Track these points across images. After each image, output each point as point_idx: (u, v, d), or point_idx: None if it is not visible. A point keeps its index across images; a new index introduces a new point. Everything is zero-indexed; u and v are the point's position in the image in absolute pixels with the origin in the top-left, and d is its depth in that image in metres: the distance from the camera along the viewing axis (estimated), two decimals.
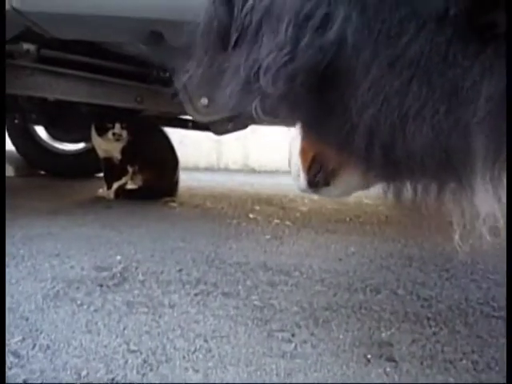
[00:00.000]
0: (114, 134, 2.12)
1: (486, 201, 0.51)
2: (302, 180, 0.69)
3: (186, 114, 1.62)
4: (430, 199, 0.52)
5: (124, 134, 2.14)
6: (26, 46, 1.49)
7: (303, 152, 0.67)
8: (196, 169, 4.17)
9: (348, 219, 2.04)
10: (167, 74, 1.68)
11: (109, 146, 2.20)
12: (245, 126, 2.82)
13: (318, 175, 0.67)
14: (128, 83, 1.67)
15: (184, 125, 2.81)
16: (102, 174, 2.97)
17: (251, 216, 2.00)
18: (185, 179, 2.63)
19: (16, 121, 2.87)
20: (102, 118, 2.14)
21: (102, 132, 2.14)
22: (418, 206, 0.54)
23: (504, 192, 0.50)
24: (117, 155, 2.26)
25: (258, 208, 2.23)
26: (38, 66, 1.56)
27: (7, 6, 1.11)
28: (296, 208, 2.29)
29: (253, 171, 4.28)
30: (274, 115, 0.58)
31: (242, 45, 0.53)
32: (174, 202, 2.28)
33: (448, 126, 0.44)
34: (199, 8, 1.23)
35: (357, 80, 0.46)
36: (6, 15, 1.13)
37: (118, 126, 2.10)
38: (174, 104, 1.60)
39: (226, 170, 4.28)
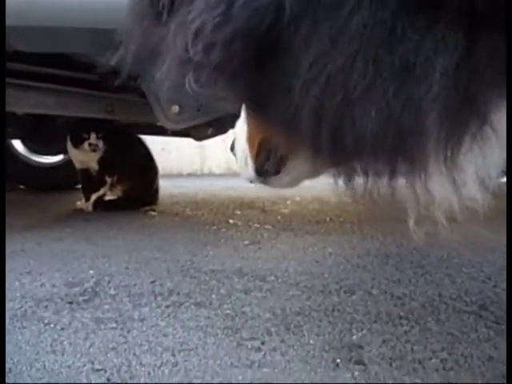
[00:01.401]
0: (89, 144, 2.09)
1: (441, 184, 0.48)
2: (250, 169, 0.63)
3: (157, 122, 1.60)
4: (381, 185, 0.50)
5: (100, 144, 2.11)
6: None
7: (250, 137, 0.62)
8: (180, 175, 4.15)
9: (328, 219, 2.05)
10: (137, 83, 1.66)
11: (85, 156, 2.17)
12: (225, 131, 2.82)
13: (266, 163, 0.61)
14: (98, 93, 1.65)
15: (163, 132, 2.80)
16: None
17: (231, 221, 1.99)
18: (167, 186, 2.61)
19: None
20: (77, 129, 2.12)
21: (77, 143, 2.11)
22: (370, 193, 0.51)
23: (459, 174, 0.47)
24: (94, 166, 2.23)
25: (239, 213, 2.22)
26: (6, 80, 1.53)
27: None
28: (277, 211, 2.29)
29: (237, 175, 4.25)
30: (209, 88, 0.53)
31: (178, 10, 0.47)
32: (153, 210, 2.26)
33: (399, 105, 0.41)
34: None
35: (298, 55, 0.43)
36: None
37: (93, 136, 2.07)
38: (145, 113, 1.59)
39: (210, 174, 4.26)
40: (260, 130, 0.59)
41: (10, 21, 1.16)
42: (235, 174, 4.44)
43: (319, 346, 0.82)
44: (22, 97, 1.59)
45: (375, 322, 0.94)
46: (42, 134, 2.81)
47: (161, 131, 2.79)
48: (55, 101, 1.61)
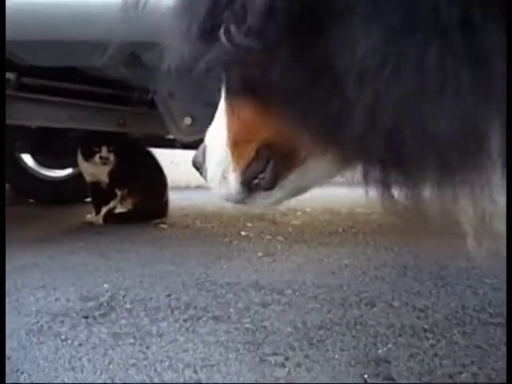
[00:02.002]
0: (101, 157, 2.09)
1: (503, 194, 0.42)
2: (231, 183, 0.51)
3: (169, 134, 1.60)
4: (440, 195, 0.43)
5: (111, 157, 2.11)
6: (6, 74, 1.47)
7: (236, 143, 0.49)
8: (188, 187, 4.14)
9: (341, 230, 2.02)
10: (149, 96, 1.66)
11: (96, 169, 2.17)
12: None
13: (260, 175, 0.49)
14: (110, 107, 1.65)
15: (172, 144, 2.80)
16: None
17: (243, 233, 1.97)
18: (176, 198, 2.60)
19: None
20: (88, 142, 2.12)
21: (88, 156, 2.11)
22: (419, 205, 0.44)
23: None
24: (104, 179, 2.23)
25: (249, 225, 2.20)
26: (18, 94, 1.54)
27: None
28: (288, 222, 2.27)
29: None
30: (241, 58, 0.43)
31: None
32: (164, 223, 2.24)
33: (471, 103, 0.35)
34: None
35: (355, 39, 0.36)
36: None
37: (104, 149, 2.08)
38: (157, 125, 1.59)
39: None
40: (265, 131, 0.47)
41: (23, 35, 1.17)
42: None
43: (345, 361, 0.80)
44: (35, 110, 1.60)
45: (400, 335, 0.91)
46: (52, 148, 2.82)
47: (170, 144, 2.80)
48: (68, 114, 1.62)
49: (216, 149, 0.52)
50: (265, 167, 0.50)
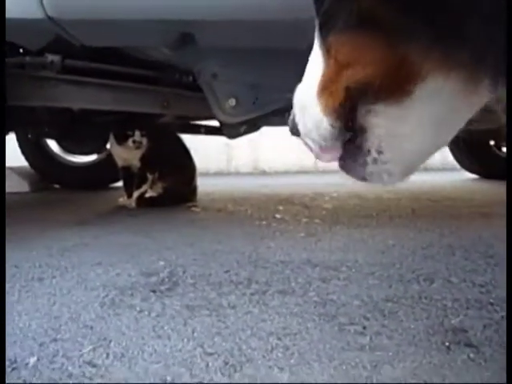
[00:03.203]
0: (134, 141, 2.11)
1: None
2: (326, 130, 0.44)
3: (213, 116, 1.61)
4: None
5: (144, 141, 2.13)
6: (50, 57, 1.48)
7: (330, 84, 0.44)
8: (206, 174, 4.16)
9: (375, 214, 2.03)
10: (191, 78, 1.67)
11: (129, 154, 2.19)
12: (257, 128, 2.82)
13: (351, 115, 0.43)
14: (153, 88, 1.66)
15: (197, 130, 2.81)
16: (115, 184, 2.96)
17: (278, 216, 1.99)
18: (199, 184, 2.62)
19: (29, 135, 2.87)
20: (122, 126, 2.14)
21: (121, 140, 2.13)
22: None
23: None
24: (136, 163, 2.25)
25: (281, 208, 2.22)
26: (62, 76, 1.55)
27: (41, 15, 1.10)
28: (320, 206, 2.28)
29: (263, 173, 4.27)
30: None
31: None
32: (196, 206, 2.27)
33: None
34: (234, 6, 1.22)
35: None
36: (39, 25, 1.12)
37: (137, 133, 2.09)
38: (201, 107, 1.59)
39: (237, 173, 4.27)
40: (365, 67, 0.42)
41: (80, 15, 1.18)
42: (263, 173, 4.50)
43: (422, 330, 0.81)
44: (79, 93, 1.61)
45: (467, 308, 0.92)
46: (77, 134, 2.84)
47: (194, 130, 2.81)
48: (111, 96, 1.63)
49: (308, 98, 0.46)
50: (356, 104, 0.44)
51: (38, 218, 2.03)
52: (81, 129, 2.72)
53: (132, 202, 2.28)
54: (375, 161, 0.48)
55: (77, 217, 2.03)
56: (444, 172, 4.12)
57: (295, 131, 0.53)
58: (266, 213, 2.07)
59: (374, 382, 0.65)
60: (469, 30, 0.41)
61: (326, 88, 0.46)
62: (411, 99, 0.45)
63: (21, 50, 1.66)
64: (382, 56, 0.43)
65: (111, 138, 2.16)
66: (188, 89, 1.69)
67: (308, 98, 0.47)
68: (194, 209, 2.23)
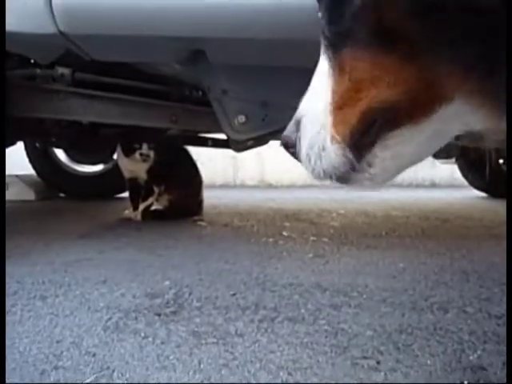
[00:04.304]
0: (141, 154, 2.09)
1: None
2: (332, 154, 0.43)
3: (221, 132, 1.59)
4: None
5: (151, 154, 2.12)
6: (60, 70, 1.48)
7: (343, 104, 0.43)
8: (212, 186, 4.14)
9: (384, 233, 2.00)
10: (200, 93, 1.66)
11: (135, 166, 2.18)
12: (265, 143, 2.80)
13: (365, 138, 0.43)
14: (162, 103, 1.65)
15: (204, 143, 2.80)
16: (121, 195, 2.95)
17: (285, 234, 1.96)
18: (205, 197, 2.60)
19: (37, 144, 2.87)
20: (129, 138, 2.12)
21: (129, 152, 2.12)
22: None
23: None
24: (143, 176, 2.23)
25: (288, 224, 2.19)
26: (72, 89, 1.54)
27: (52, 30, 1.09)
28: (327, 223, 2.25)
29: (270, 186, 4.24)
30: None
31: None
32: (202, 221, 2.24)
33: None
34: (245, 24, 1.21)
35: None
36: (51, 39, 1.11)
37: (145, 146, 2.08)
38: (210, 123, 1.58)
39: (243, 186, 4.25)
40: (381, 88, 0.41)
41: (91, 30, 1.17)
42: (269, 186, 4.48)
43: (440, 367, 0.78)
44: (88, 106, 1.60)
45: (485, 342, 0.89)
46: (86, 144, 2.84)
47: (201, 142, 2.80)
48: (120, 110, 1.62)
49: (314, 116, 0.45)
50: (370, 129, 0.43)
51: (43, 229, 2.01)
52: (88, 139, 2.71)
53: (138, 215, 2.26)
54: (363, 170, 0.47)
55: (81, 228, 2.01)
56: (451, 189, 4.09)
57: (290, 147, 0.51)
58: (273, 229, 2.04)
59: None
60: (502, 59, 0.39)
61: (339, 108, 0.43)
62: (428, 121, 0.44)
63: (32, 61, 1.66)
64: (409, 76, 0.42)
65: (118, 149, 2.15)
66: (197, 104, 1.68)
67: (316, 118, 0.45)
68: (200, 223, 2.21)
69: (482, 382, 0.74)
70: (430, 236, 1.96)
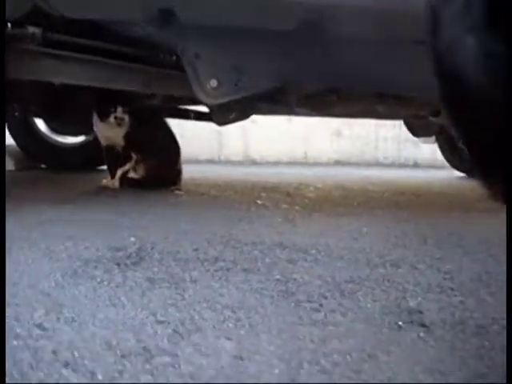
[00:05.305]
0: (115, 117, 2.07)
1: None
2: None
3: (194, 97, 1.59)
4: None
5: (126, 118, 2.09)
6: (31, 29, 1.46)
7: None
8: (197, 161, 4.15)
9: (356, 204, 2.04)
10: (174, 57, 1.66)
11: (111, 132, 2.16)
12: (247, 116, 2.81)
13: None
14: (135, 66, 1.65)
15: (186, 115, 2.79)
16: (103, 167, 2.94)
17: (259, 202, 1.99)
18: (187, 171, 2.61)
19: (16, 113, 2.84)
20: (104, 102, 2.10)
21: (103, 116, 2.09)
22: None
23: None
24: (119, 142, 2.21)
25: (264, 195, 2.22)
26: (42, 49, 1.53)
27: None
28: (303, 195, 2.28)
29: (254, 163, 4.26)
30: None
31: None
32: (179, 190, 2.26)
33: None
34: None
35: None
36: None
37: (119, 109, 2.06)
38: (183, 87, 1.58)
39: (228, 161, 4.26)
40: None
41: None
42: (253, 162, 4.48)
43: (378, 311, 0.82)
44: (60, 67, 1.59)
45: (428, 292, 0.93)
46: (66, 114, 2.81)
47: (183, 115, 2.79)
48: (92, 72, 1.61)
49: None
50: None
51: (18, 196, 2.02)
52: (68, 109, 2.69)
53: (115, 183, 2.26)
54: None
55: (58, 195, 2.02)
56: (433, 169, 4.14)
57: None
58: (248, 199, 2.07)
59: (319, 354, 0.65)
60: None
61: None
62: None
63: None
64: None
65: (94, 115, 2.14)
66: (171, 68, 1.67)
67: None
68: (177, 192, 2.22)
69: (415, 323, 0.78)
70: (401, 208, 2.00)
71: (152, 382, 0.57)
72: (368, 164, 4.28)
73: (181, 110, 2.74)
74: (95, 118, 2.14)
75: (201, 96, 1.56)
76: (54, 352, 0.64)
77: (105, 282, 0.91)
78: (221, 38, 1.51)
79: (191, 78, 1.53)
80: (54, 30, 1.54)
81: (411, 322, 0.78)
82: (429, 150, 4.12)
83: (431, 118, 2.58)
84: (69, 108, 2.67)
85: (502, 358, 0.67)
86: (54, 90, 2.33)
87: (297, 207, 1.89)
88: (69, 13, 1.27)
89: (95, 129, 2.22)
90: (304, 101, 2.09)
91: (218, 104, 1.60)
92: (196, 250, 1.17)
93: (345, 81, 1.58)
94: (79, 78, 1.61)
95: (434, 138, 3.26)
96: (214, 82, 1.53)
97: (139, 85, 1.66)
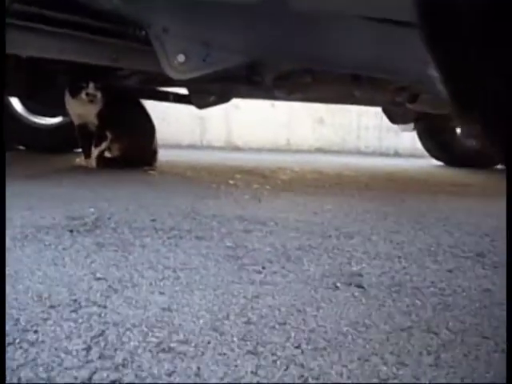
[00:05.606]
0: (87, 94, 2.04)
1: None
2: None
3: (162, 71, 1.58)
4: None
5: (99, 95, 2.06)
6: None
7: None
8: (179, 146, 4.13)
9: (327, 185, 2.05)
10: (143, 32, 1.64)
11: (84, 109, 2.12)
12: (227, 100, 2.79)
13: None
14: (103, 40, 1.63)
15: (165, 98, 2.77)
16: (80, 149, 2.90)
17: (231, 182, 1.99)
18: (167, 155, 2.60)
19: None
20: (76, 78, 2.07)
21: (75, 93, 2.06)
22: None
23: None
24: (93, 120, 2.18)
25: (239, 176, 2.22)
26: (10, 20, 1.51)
27: None
28: (277, 177, 2.29)
29: (237, 148, 4.26)
30: None
31: None
32: (153, 170, 2.25)
33: None
34: None
35: None
36: None
37: (91, 85, 2.02)
38: (150, 62, 1.57)
39: (210, 147, 4.25)
40: None
41: None
42: (236, 148, 4.46)
43: (319, 273, 0.83)
44: (28, 39, 1.57)
45: (374, 259, 0.95)
46: (42, 93, 2.77)
47: (162, 97, 2.77)
48: (59, 45, 1.59)
49: None
50: None
51: None
52: (44, 88, 2.65)
53: (92, 162, 2.23)
54: None
55: (28, 172, 2.00)
56: (413, 158, 4.17)
57: None
58: (221, 179, 2.07)
59: (248, 308, 0.66)
60: None
61: None
62: None
63: None
64: None
65: (66, 92, 2.11)
66: (139, 42, 1.66)
67: None
68: (151, 172, 2.22)
69: (353, 284, 0.79)
70: (370, 189, 2.02)
71: (74, 329, 0.57)
72: (349, 152, 4.31)
73: (159, 91, 2.72)
74: (67, 96, 2.11)
75: (168, 71, 1.55)
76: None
77: (52, 246, 0.91)
78: (189, 13, 1.49)
79: (159, 52, 1.52)
80: (20, 1, 1.52)
81: (350, 283, 0.79)
82: (409, 139, 4.15)
83: (408, 105, 2.60)
84: (45, 87, 2.63)
85: (429, 315, 0.68)
86: (31, 68, 2.30)
87: (268, 187, 1.89)
88: None
89: (67, 106, 2.18)
90: (279, 82, 2.09)
91: (187, 79, 1.59)
92: (154, 220, 1.17)
93: (314, 59, 1.58)
94: (46, 50, 1.59)
95: (412, 126, 3.28)
96: (181, 57, 1.52)
97: (106, 59, 1.64)
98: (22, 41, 1.58)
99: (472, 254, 1.03)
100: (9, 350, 0.52)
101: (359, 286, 0.78)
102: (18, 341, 0.54)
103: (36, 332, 0.56)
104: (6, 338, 0.54)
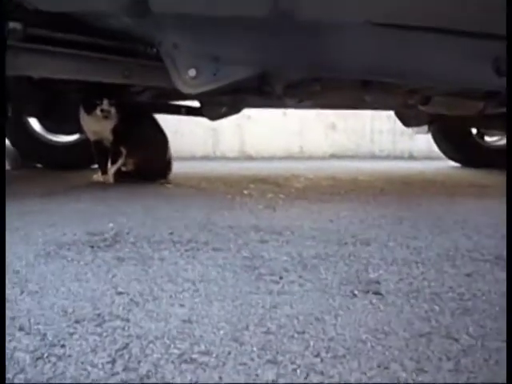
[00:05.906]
0: (102, 110, 2.08)
1: None
2: None
3: (173, 87, 1.62)
4: None
5: (113, 110, 2.11)
6: (12, 24, 1.49)
7: None
8: (193, 158, 4.18)
9: (343, 192, 2.05)
10: (154, 49, 1.68)
11: (99, 125, 2.17)
12: (238, 110, 2.83)
13: None
14: (115, 58, 1.67)
15: (177, 111, 2.82)
16: (96, 166, 2.96)
17: (246, 192, 2.01)
18: (181, 167, 2.63)
19: (10, 113, 2.88)
20: (90, 95, 2.12)
21: (89, 109, 2.11)
22: None
23: None
24: (108, 136, 2.23)
25: (252, 186, 2.24)
26: (24, 44, 1.56)
27: None
28: (291, 185, 2.30)
29: (250, 158, 4.28)
30: None
31: None
32: (169, 183, 2.28)
33: None
34: None
35: None
36: None
37: (106, 102, 2.07)
38: (162, 77, 1.61)
39: (223, 157, 4.29)
40: None
41: None
42: (249, 158, 4.49)
43: (337, 281, 0.83)
44: (41, 61, 1.62)
45: (391, 265, 0.94)
46: (59, 112, 2.85)
47: (174, 110, 2.81)
48: (73, 65, 1.64)
49: None
50: None
51: (9, 192, 2.05)
52: (61, 107, 2.72)
53: (110, 178, 2.28)
54: None
55: (47, 189, 2.05)
56: (429, 160, 4.13)
57: None
58: (236, 189, 2.09)
59: (267, 317, 0.67)
60: None
61: None
62: None
63: None
64: None
65: (81, 109, 2.16)
66: (150, 59, 1.70)
67: None
68: (166, 185, 2.25)
69: (371, 292, 0.79)
70: (386, 194, 2.01)
71: (99, 342, 0.59)
72: (363, 157, 4.29)
73: (171, 105, 2.76)
74: (82, 113, 2.16)
75: (180, 86, 1.58)
76: (12, 318, 0.66)
77: (74, 262, 0.94)
78: (198, 29, 1.53)
79: (170, 68, 1.55)
80: (36, 25, 1.58)
81: (367, 291, 0.80)
82: (424, 141, 4.11)
83: (420, 107, 2.58)
84: (61, 107, 2.70)
85: (448, 320, 0.68)
86: (48, 89, 2.37)
87: (282, 195, 1.90)
88: (42, 6, 1.30)
89: (82, 123, 2.23)
90: (289, 91, 2.11)
91: (197, 93, 1.62)
92: (171, 233, 1.19)
93: (322, 68, 1.59)
94: (60, 71, 1.64)
95: (426, 128, 3.26)
96: (192, 72, 1.55)
97: (119, 76, 1.69)
98: (36, 63, 1.63)
99: (491, 256, 1.02)
100: (38, 363, 0.54)
101: (377, 293, 0.78)
102: (46, 355, 0.56)
103: (63, 346, 0.58)
104: (35, 353, 0.56)
